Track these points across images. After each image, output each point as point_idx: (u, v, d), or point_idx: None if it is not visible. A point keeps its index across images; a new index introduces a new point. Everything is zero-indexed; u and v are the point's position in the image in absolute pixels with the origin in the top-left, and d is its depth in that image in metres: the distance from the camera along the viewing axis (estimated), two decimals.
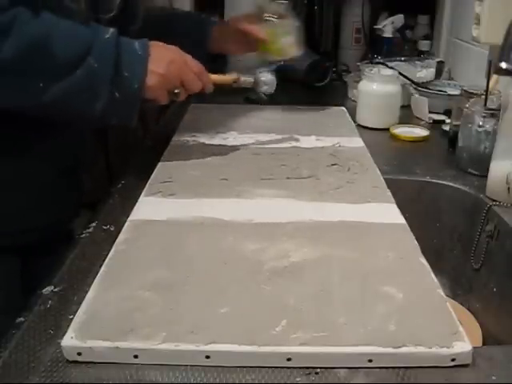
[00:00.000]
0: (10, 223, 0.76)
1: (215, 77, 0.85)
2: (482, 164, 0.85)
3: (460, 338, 0.48)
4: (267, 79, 0.93)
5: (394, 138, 1.07)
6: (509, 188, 0.79)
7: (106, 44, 0.68)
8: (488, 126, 0.87)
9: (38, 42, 0.63)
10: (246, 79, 0.91)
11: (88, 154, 0.93)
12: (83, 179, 0.89)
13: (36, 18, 0.64)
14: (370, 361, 0.47)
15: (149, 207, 0.72)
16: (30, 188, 0.77)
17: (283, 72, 1.45)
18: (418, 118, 1.19)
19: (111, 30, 0.69)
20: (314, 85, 1.44)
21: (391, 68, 1.20)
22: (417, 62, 1.34)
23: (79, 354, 0.47)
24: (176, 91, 0.78)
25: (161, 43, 0.77)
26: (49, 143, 0.76)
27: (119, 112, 0.72)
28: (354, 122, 1.11)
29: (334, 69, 1.51)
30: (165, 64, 0.74)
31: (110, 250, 0.62)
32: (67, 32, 0.66)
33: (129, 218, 0.69)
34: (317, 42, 1.64)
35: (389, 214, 0.71)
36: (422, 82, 1.25)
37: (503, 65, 0.77)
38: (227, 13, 1.47)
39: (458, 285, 0.88)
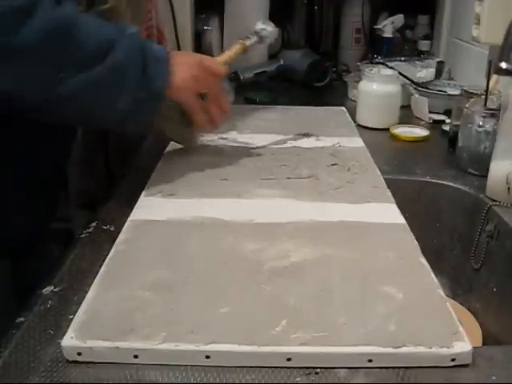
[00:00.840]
0: None
1: (225, 56, 0.85)
2: (482, 164, 0.85)
3: (460, 337, 0.48)
4: (266, 26, 0.88)
5: (394, 138, 1.07)
6: (509, 188, 0.79)
7: (132, 38, 0.63)
8: (488, 126, 0.87)
9: (64, 28, 0.58)
10: (250, 40, 0.87)
11: (75, 155, 0.90)
12: (67, 178, 0.87)
13: (60, 6, 0.58)
14: (370, 361, 0.47)
15: (149, 207, 0.72)
16: (7, 192, 0.70)
17: (283, 72, 1.46)
18: (418, 117, 1.19)
19: (132, 26, 0.65)
20: (313, 85, 1.44)
21: (391, 68, 1.20)
22: (417, 62, 1.34)
23: (79, 354, 0.47)
24: (203, 91, 0.75)
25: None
26: (30, 148, 0.70)
27: (139, 115, 0.66)
28: (354, 122, 1.11)
29: (334, 69, 1.51)
30: (190, 66, 0.71)
31: (109, 250, 0.62)
32: (92, 22, 0.62)
33: (129, 218, 0.69)
34: (317, 41, 1.65)
35: (389, 214, 0.71)
36: (422, 82, 1.25)
37: (503, 65, 0.77)
38: (227, 13, 1.47)
39: (458, 285, 0.88)
